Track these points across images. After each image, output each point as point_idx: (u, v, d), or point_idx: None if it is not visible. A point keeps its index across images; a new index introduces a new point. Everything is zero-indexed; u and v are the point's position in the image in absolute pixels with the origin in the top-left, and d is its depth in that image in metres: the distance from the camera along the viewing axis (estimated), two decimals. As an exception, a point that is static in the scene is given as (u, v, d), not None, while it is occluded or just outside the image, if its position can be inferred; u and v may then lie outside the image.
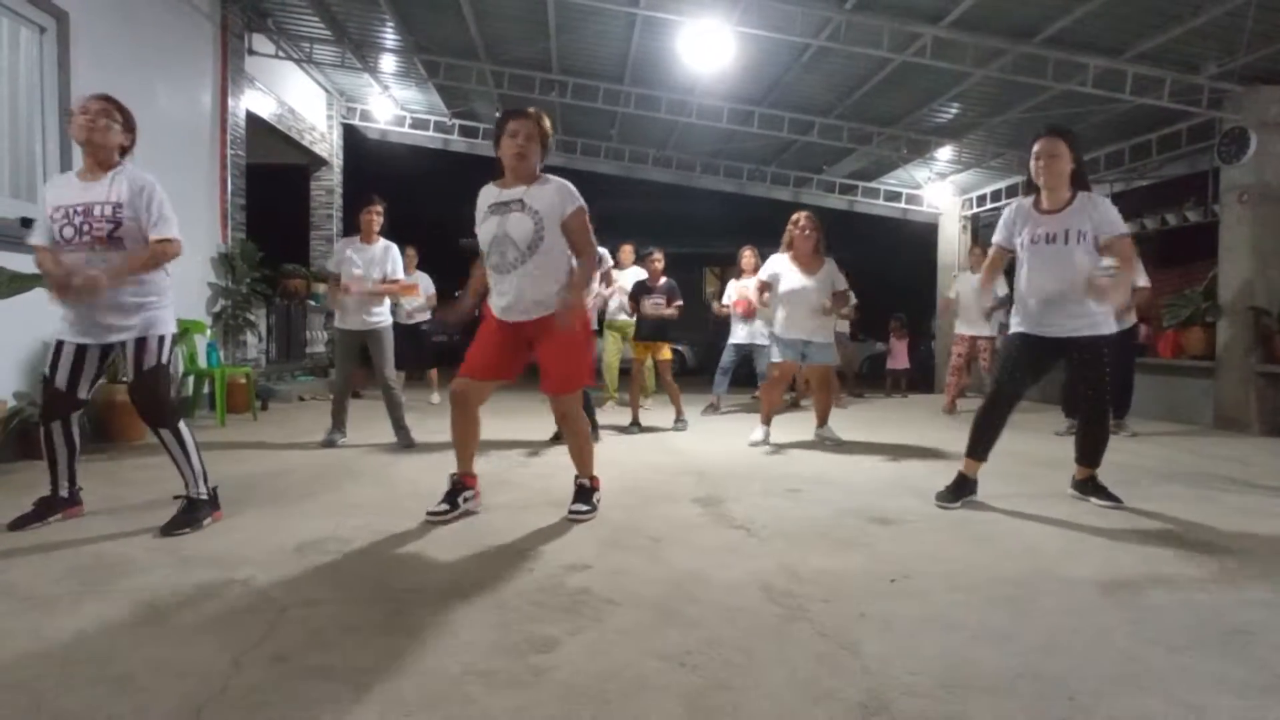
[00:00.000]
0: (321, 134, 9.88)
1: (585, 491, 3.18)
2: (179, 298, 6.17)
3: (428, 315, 7.70)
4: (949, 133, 9.28)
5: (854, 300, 6.73)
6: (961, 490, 3.42)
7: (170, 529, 2.78)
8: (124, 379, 2.97)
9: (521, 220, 2.93)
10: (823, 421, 5.40)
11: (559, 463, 4.33)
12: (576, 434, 3.20)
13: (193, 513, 2.88)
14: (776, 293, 5.22)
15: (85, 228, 2.76)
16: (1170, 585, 2.35)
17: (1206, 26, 5.84)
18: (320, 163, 10.11)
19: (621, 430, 5.88)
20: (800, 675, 1.70)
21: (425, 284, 7.42)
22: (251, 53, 7.67)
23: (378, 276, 4.95)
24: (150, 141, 5.76)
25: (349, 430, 5.10)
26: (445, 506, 3.03)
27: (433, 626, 1.96)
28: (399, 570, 2.42)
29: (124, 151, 2.93)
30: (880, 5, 6.20)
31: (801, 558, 2.58)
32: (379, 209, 5.03)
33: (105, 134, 2.81)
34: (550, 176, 3.05)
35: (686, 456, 4.76)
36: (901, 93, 8.10)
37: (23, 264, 4.01)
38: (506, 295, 2.99)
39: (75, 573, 2.34)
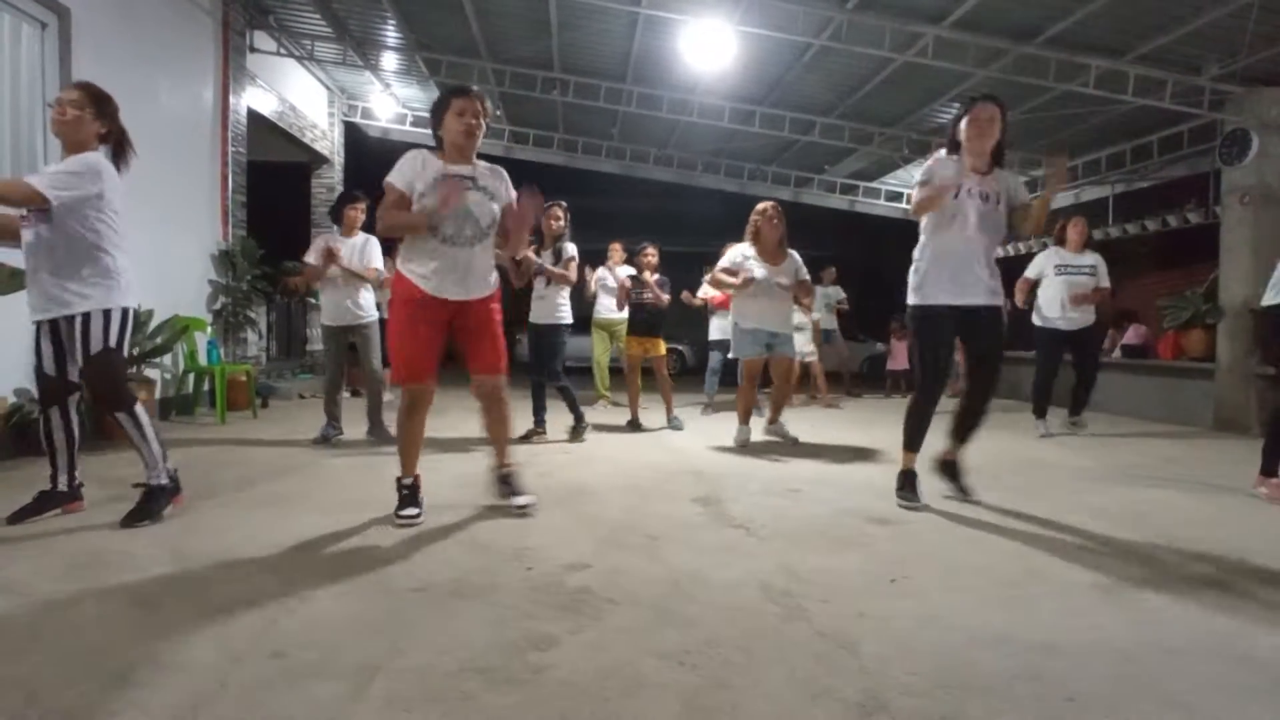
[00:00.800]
0: (323, 131, 9.88)
1: (514, 478, 3.19)
2: (180, 294, 6.26)
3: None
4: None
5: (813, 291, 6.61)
6: (914, 484, 3.39)
7: (130, 520, 2.78)
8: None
9: (482, 201, 2.97)
10: (775, 418, 5.32)
11: (557, 461, 4.34)
12: (503, 417, 3.20)
13: (151, 502, 2.86)
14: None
15: (31, 206, 2.74)
16: (1168, 587, 2.35)
17: (1208, 28, 5.84)
18: (321, 160, 10.11)
19: (619, 430, 5.88)
20: (799, 674, 1.71)
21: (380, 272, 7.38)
22: (253, 50, 7.67)
23: (358, 266, 5.01)
24: (151, 138, 5.79)
25: (345, 427, 5.10)
26: (416, 510, 2.98)
27: (431, 623, 1.96)
28: (397, 567, 2.42)
29: (104, 139, 2.88)
30: (882, 5, 6.20)
31: (800, 557, 2.58)
32: (362, 205, 5.12)
33: (75, 126, 2.79)
34: (482, 161, 3.07)
35: (685, 456, 4.76)
36: (903, 93, 8.10)
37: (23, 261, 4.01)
38: (454, 271, 2.94)
39: (73, 568, 2.34)
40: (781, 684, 1.66)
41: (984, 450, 4.76)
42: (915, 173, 10.96)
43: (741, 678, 1.69)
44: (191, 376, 6.30)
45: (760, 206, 5.18)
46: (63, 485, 2.93)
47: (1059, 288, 5.66)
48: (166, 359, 5.98)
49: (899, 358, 10.42)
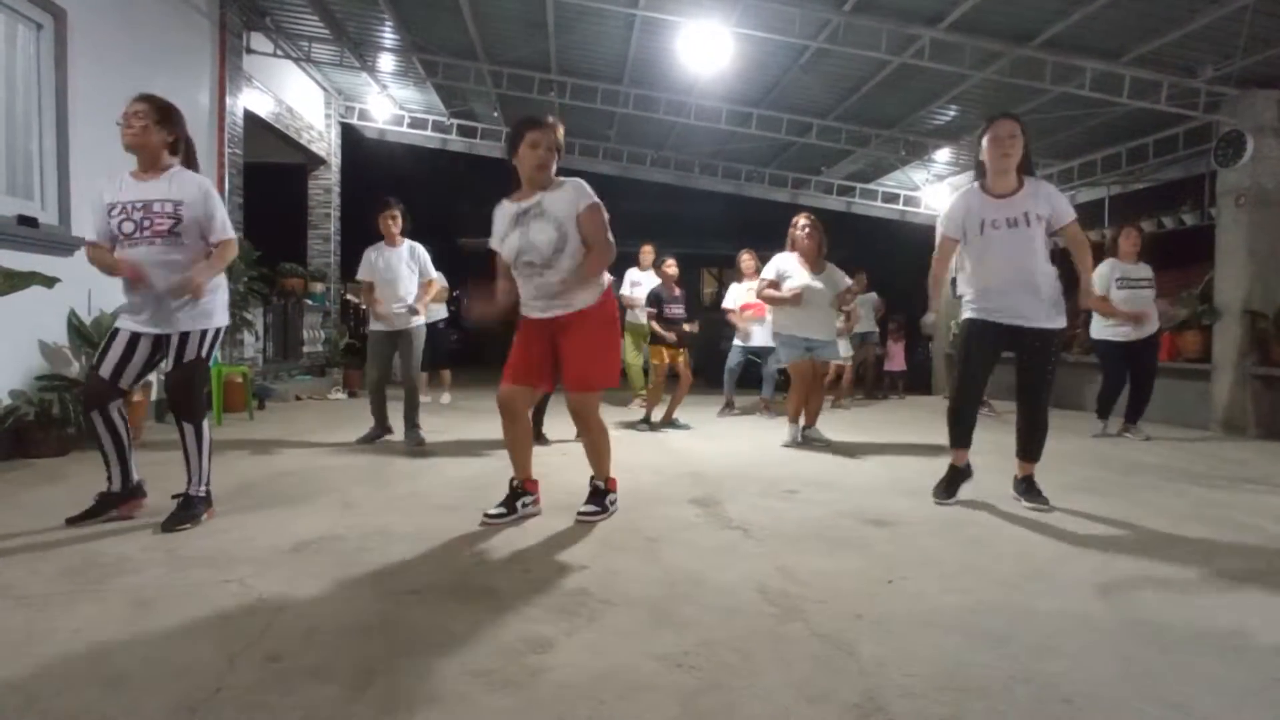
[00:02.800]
0: (319, 133, 9.87)
1: (599, 493, 3.18)
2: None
3: (444, 314, 7.72)
4: (947, 135, 9.30)
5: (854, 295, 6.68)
6: (955, 482, 3.47)
7: (172, 524, 2.80)
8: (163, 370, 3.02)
9: (543, 228, 2.95)
10: (811, 424, 5.42)
11: (556, 463, 4.33)
12: (590, 433, 3.20)
13: (191, 509, 2.89)
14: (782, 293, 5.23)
15: (146, 223, 2.83)
16: (1166, 587, 2.36)
17: (1204, 30, 5.85)
18: (318, 162, 10.09)
19: (620, 431, 5.88)
20: (796, 676, 1.70)
21: (440, 282, 7.43)
22: (249, 51, 7.66)
23: (413, 280, 5.11)
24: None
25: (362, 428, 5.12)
26: (503, 510, 3.03)
27: (429, 626, 1.96)
28: (395, 570, 2.41)
29: (172, 147, 2.97)
30: (879, 7, 6.21)
31: (798, 559, 2.58)
32: (396, 211, 5.12)
33: (144, 135, 2.87)
34: (564, 179, 3.06)
35: (684, 457, 4.76)
36: (900, 95, 8.11)
37: (20, 262, 4.00)
38: (536, 294, 3.03)
39: (70, 572, 2.33)
40: (779, 686, 1.66)
41: (982, 453, 4.77)
42: (912, 174, 11.04)
43: (739, 679, 1.69)
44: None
45: (795, 219, 5.35)
46: (115, 486, 2.94)
47: (1124, 303, 5.64)
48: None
49: (896, 359, 10.43)
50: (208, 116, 6.88)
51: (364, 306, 5.51)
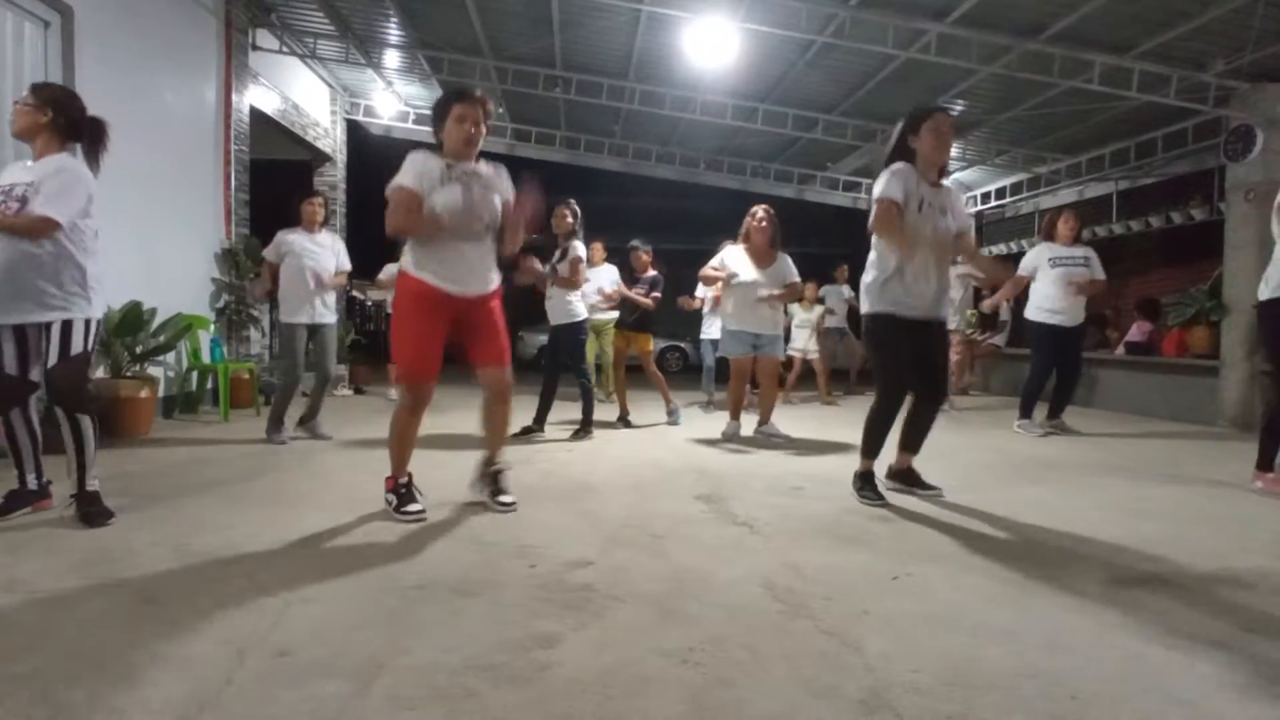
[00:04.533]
0: (325, 129, 9.88)
1: (505, 476, 3.21)
2: (183, 293, 6.27)
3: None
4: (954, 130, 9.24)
5: (803, 293, 6.65)
6: (874, 484, 3.44)
7: (100, 520, 2.78)
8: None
9: (487, 198, 2.99)
10: (765, 419, 5.41)
11: (560, 459, 4.34)
12: (508, 414, 3.24)
13: (100, 502, 2.87)
14: (729, 284, 5.23)
15: (3, 207, 2.74)
16: (1172, 584, 2.35)
17: (1213, 24, 5.81)
18: (324, 158, 10.10)
19: (620, 429, 5.88)
20: (803, 672, 1.71)
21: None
22: (255, 48, 7.66)
23: (332, 267, 5.10)
24: (154, 137, 5.83)
25: (328, 428, 5.15)
26: (419, 505, 3.01)
27: (435, 621, 1.96)
28: (400, 565, 2.42)
29: (52, 128, 2.85)
30: (885, 2, 6.18)
31: (804, 555, 2.58)
32: (319, 200, 5.22)
33: (18, 119, 2.84)
34: (490, 162, 3.10)
35: (688, 453, 4.76)
36: (906, 90, 8.07)
37: None
38: (466, 266, 2.97)
39: (79, 566, 2.35)
40: (785, 682, 1.66)
41: (987, 448, 4.76)
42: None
43: (745, 676, 1.69)
44: (195, 374, 6.31)
45: (753, 210, 5.29)
46: (31, 484, 2.93)
47: (1056, 280, 5.63)
48: (170, 357, 5.99)
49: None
50: (214, 113, 6.90)
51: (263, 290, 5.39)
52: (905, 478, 3.56)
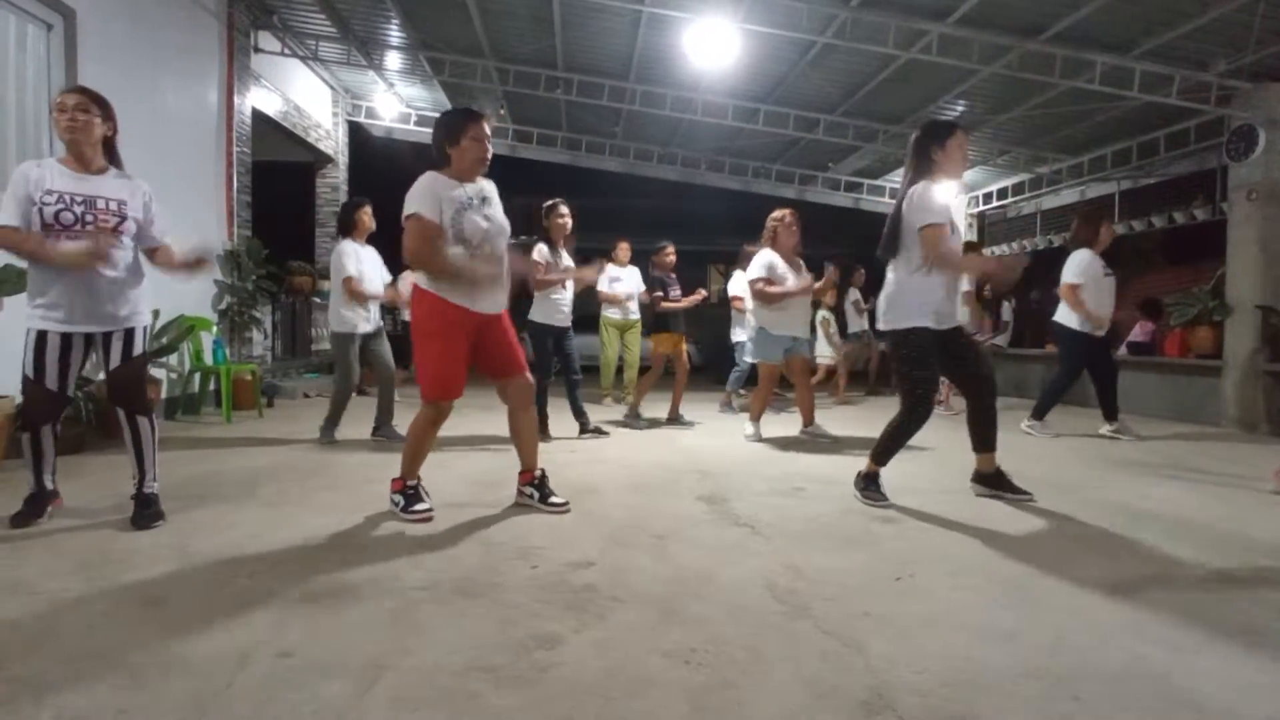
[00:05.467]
0: (327, 131, 9.90)
1: (543, 480, 3.24)
2: (184, 294, 6.26)
3: None
4: (955, 130, 9.24)
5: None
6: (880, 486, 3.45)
7: (146, 522, 2.81)
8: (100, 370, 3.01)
9: (498, 216, 3.08)
10: (810, 420, 5.46)
11: (562, 460, 4.33)
12: (532, 421, 3.30)
13: (155, 505, 2.91)
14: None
15: (89, 218, 2.77)
16: (1175, 584, 2.35)
17: (1215, 23, 5.80)
18: (326, 160, 10.13)
19: (624, 428, 5.88)
20: (805, 673, 1.71)
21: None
22: (257, 50, 7.68)
23: (387, 278, 5.10)
24: (157, 139, 5.84)
25: (346, 427, 5.13)
26: (427, 505, 3.04)
27: (437, 622, 1.96)
28: (403, 567, 2.42)
29: (108, 142, 2.92)
30: (886, 2, 6.18)
31: (805, 556, 2.58)
32: (369, 208, 5.08)
33: (87, 130, 2.82)
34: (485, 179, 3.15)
35: (691, 454, 4.76)
36: (907, 90, 8.07)
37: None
38: (493, 285, 3.03)
39: (83, 567, 2.35)
40: (788, 683, 1.66)
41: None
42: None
43: (747, 676, 1.69)
44: (197, 376, 6.32)
45: (778, 214, 5.31)
46: (49, 484, 2.95)
47: (1106, 293, 5.55)
48: (172, 358, 6.00)
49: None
50: (216, 115, 6.91)
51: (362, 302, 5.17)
52: (993, 481, 3.48)
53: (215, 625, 1.93)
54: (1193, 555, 2.65)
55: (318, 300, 9.30)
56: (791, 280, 5.16)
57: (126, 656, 1.74)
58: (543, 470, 3.27)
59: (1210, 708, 1.57)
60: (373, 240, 5.17)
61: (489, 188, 3.11)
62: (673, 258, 6.49)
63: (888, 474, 3.49)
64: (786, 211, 5.32)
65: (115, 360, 2.89)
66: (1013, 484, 3.46)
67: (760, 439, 5.31)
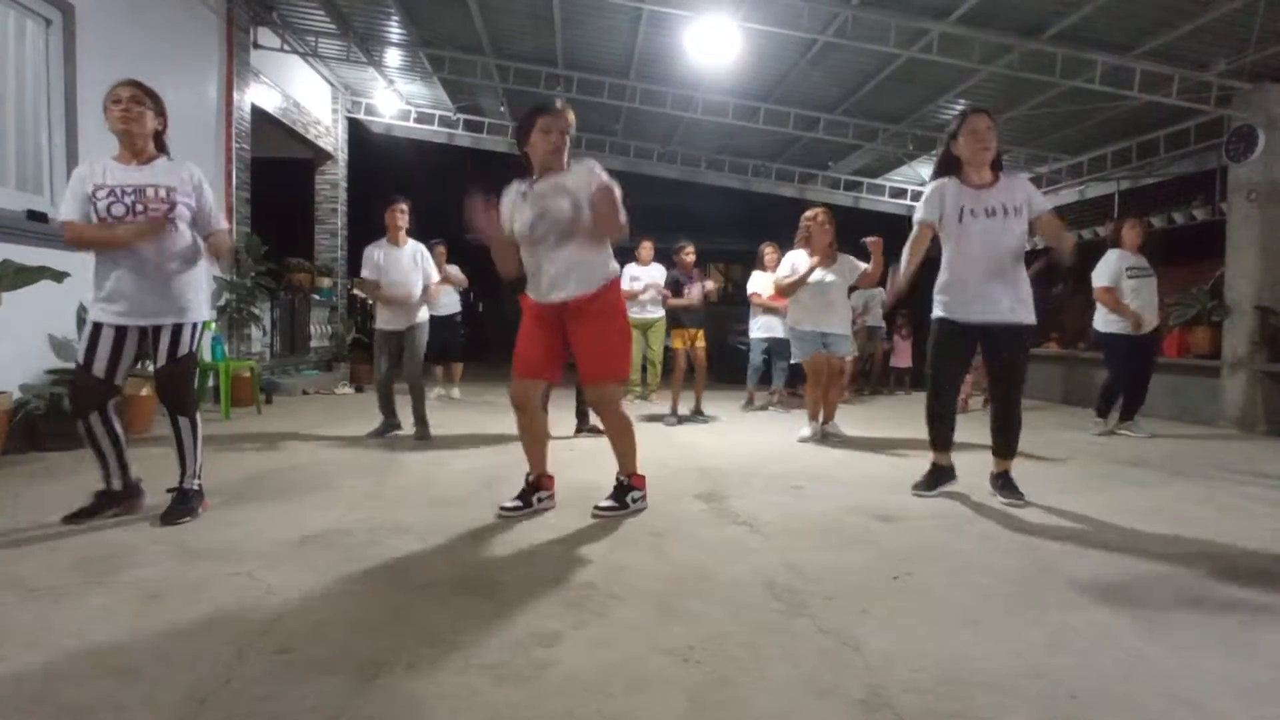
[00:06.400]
0: (326, 128, 9.88)
1: (621, 489, 3.15)
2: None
3: (458, 308, 7.76)
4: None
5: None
6: (937, 480, 3.49)
7: (172, 518, 2.81)
8: (149, 366, 3.00)
9: (559, 201, 2.91)
10: (830, 417, 5.45)
11: (565, 458, 4.33)
12: (614, 427, 3.17)
13: (188, 502, 2.91)
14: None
15: (139, 207, 2.80)
16: (1174, 584, 2.35)
17: (1215, 24, 5.80)
18: (325, 157, 10.11)
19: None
20: (803, 671, 1.71)
21: (456, 275, 7.43)
22: (257, 46, 7.67)
23: (418, 279, 5.11)
24: (156, 135, 5.81)
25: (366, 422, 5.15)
26: (519, 503, 3.05)
27: (436, 620, 1.96)
28: (402, 564, 2.42)
29: (158, 136, 2.98)
30: (887, 1, 6.18)
31: (804, 554, 2.58)
32: (403, 206, 5.11)
33: (140, 122, 2.86)
34: (577, 161, 3.03)
35: (690, 452, 4.76)
36: (908, 89, 8.07)
37: (29, 256, 4.03)
38: (548, 274, 2.96)
39: (81, 564, 2.35)
40: (786, 680, 1.66)
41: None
42: (920, 169, 10.99)
43: (746, 674, 1.69)
44: (196, 372, 6.31)
45: (811, 213, 5.35)
46: (116, 485, 2.91)
47: (1138, 293, 5.55)
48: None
49: (902, 355, 10.40)
50: (215, 111, 6.90)
51: (370, 302, 5.55)
52: (992, 481, 3.48)
53: (213, 621, 1.92)
54: (1193, 554, 2.65)
55: (316, 297, 9.29)
56: (815, 278, 5.16)
57: (125, 652, 1.74)
58: (619, 479, 3.19)
59: (1210, 708, 1.57)
60: (372, 239, 5.17)
61: (567, 175, 2.96)
62: (692, 257, 6.61)
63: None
64: (820, 210, 5.35)
65: (162, 358, 2.90)
66: (1011, 488, 3.44)
67: (818, 439, 5.26)
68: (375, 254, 5.08)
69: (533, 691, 1.60)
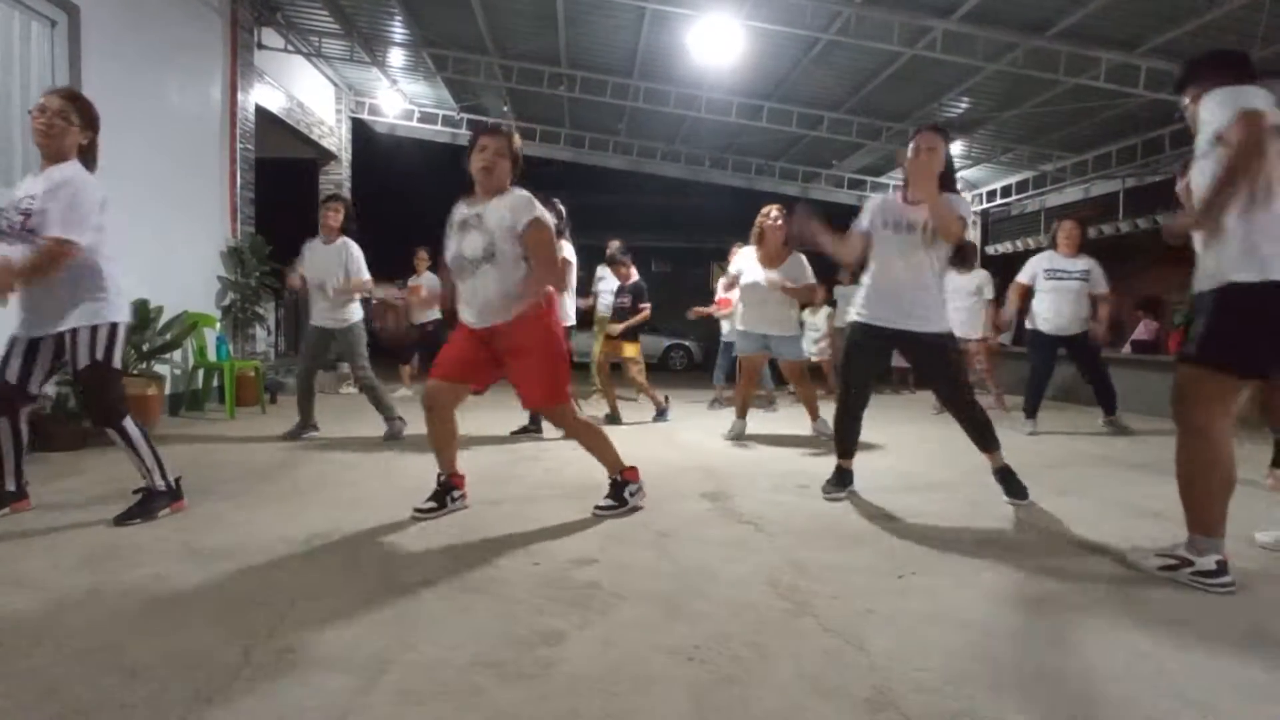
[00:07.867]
0: (330, 128, 9.90)
1: (616, 486, 3.16)
2: (190, 291, 6.28)
3: (438, 315, 7.74)
4: (959, 128, 9.23)
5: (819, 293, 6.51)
6: (843, 481, 3.50)
7: (123, 519, 2.80)
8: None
9: (474, 237, 2.90)
10: (815, 416, 5.37)
11: (566, 457, 4.33)
12: (578, 436, 3.22)
13: (148, 504, 2.88)
14: (740, 287, 5.23)
15: (12, 223, 2.72)
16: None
17: (1221, 21, 5.78)
18: (329, 157, 10.13)
19: (627, 427, 5.88)
20: (807, 670, 1.70)
21: (432, 285, 7.42)
22: (261, 47, 7.69)
23: (338, 276, 5.01)
24: (160, 135, 5.84)
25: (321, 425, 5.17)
26: (433, 504, 3.04)
27: (440, 618, 1.97)
28: (406, 563, 2.43)
29: (83, 151, 2.85)
30: (891, -1, 6.17)
31: (809, 554, 2.58)
32: (339, 205, 5.11)
33: (60, 137, 2.75)
34: (515, 190, 2.98)
35: (694, 452, 4.76)
36: (911, 87, 8.06)
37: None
38: (469, 301, 2.98)
39: (87, 563, 2.36)
40: (790, 680, 1.66)
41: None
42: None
43: (750, 673, 1.69)
44: (201, 372, 6.33)
45: (765, 209, 5.24)
46: (10, 486, 2.93)
47: (1049, 295, 5.57)
48: (176, 355, 6.01)
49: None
50: (219, 112, 6.92)
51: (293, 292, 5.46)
52: (995, 478, 3.46)
53: (219, 620, 1.93)
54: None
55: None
56: (749, 276, 5.11)
57: (130, 651, 1.74)
58: (610, 479, 3.20)
59: (1219, 708, 1.57)
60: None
61: (491, 208, 2.90)
62: (625, 270, 6.37)
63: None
64: (774, 207, 5.21)
65: (73, 369, 2.82)
66: (1013, 484, 3.42)
67: (742, 436, 5.22)
68: (305, 248, 5.13)
69: (537, 689, 1.60)
